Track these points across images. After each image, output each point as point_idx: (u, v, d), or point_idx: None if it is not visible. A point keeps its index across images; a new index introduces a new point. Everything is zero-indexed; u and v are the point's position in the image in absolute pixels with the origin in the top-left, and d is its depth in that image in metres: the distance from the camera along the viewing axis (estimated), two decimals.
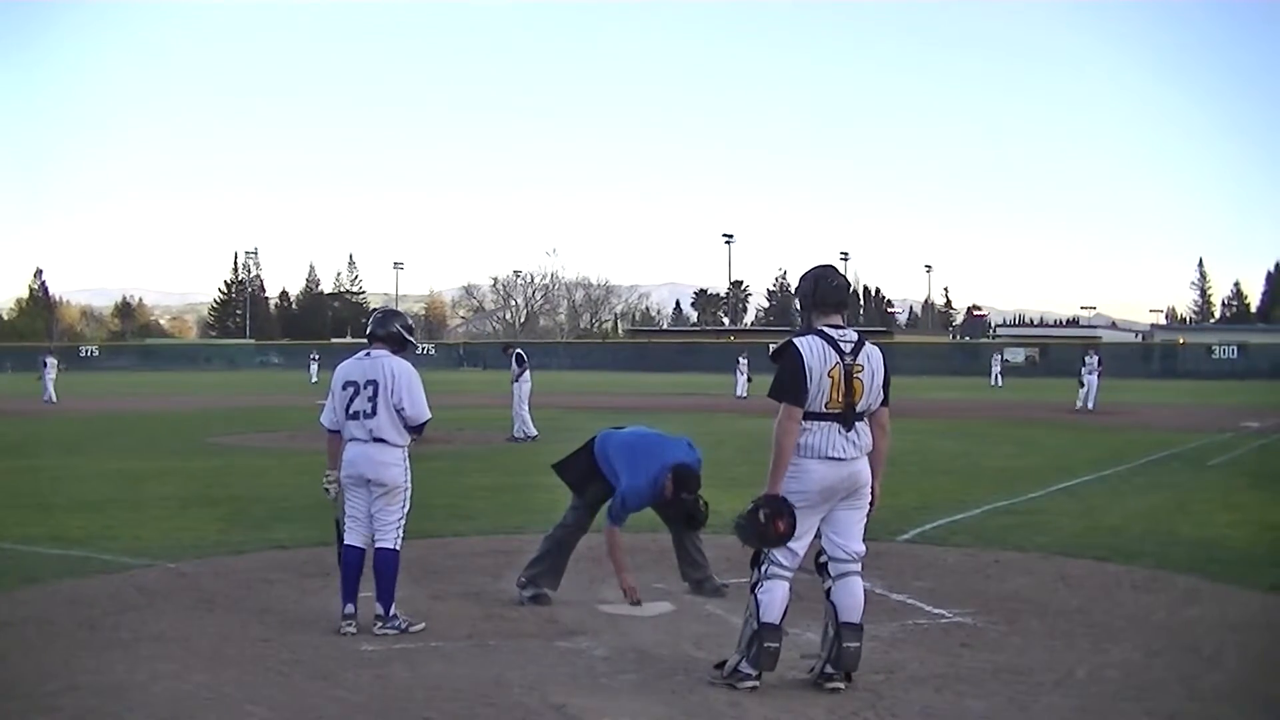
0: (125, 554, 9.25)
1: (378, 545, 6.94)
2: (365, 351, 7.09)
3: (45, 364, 38.17)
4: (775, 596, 5.68)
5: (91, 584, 8.16)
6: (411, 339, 7.29)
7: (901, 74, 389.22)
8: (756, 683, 5.67)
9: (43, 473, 15.92)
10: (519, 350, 23.31)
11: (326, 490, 7.12)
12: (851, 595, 5.75)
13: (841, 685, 5.67)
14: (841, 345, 5.71)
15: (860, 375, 5.71)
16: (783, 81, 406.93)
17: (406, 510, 7.04)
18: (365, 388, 6.91)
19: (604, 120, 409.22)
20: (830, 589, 5.80)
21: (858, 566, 5.83)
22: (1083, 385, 31.85)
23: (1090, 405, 31.16)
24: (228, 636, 6.71)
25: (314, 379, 53.14)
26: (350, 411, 6.93)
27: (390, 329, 7.15)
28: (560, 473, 8.07)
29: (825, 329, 5.77)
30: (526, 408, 21.67)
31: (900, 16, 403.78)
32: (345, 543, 6.98)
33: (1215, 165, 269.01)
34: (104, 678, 5.86)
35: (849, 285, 6.02)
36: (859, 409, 5.73)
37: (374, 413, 6.87)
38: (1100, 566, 8.91)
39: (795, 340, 5.74)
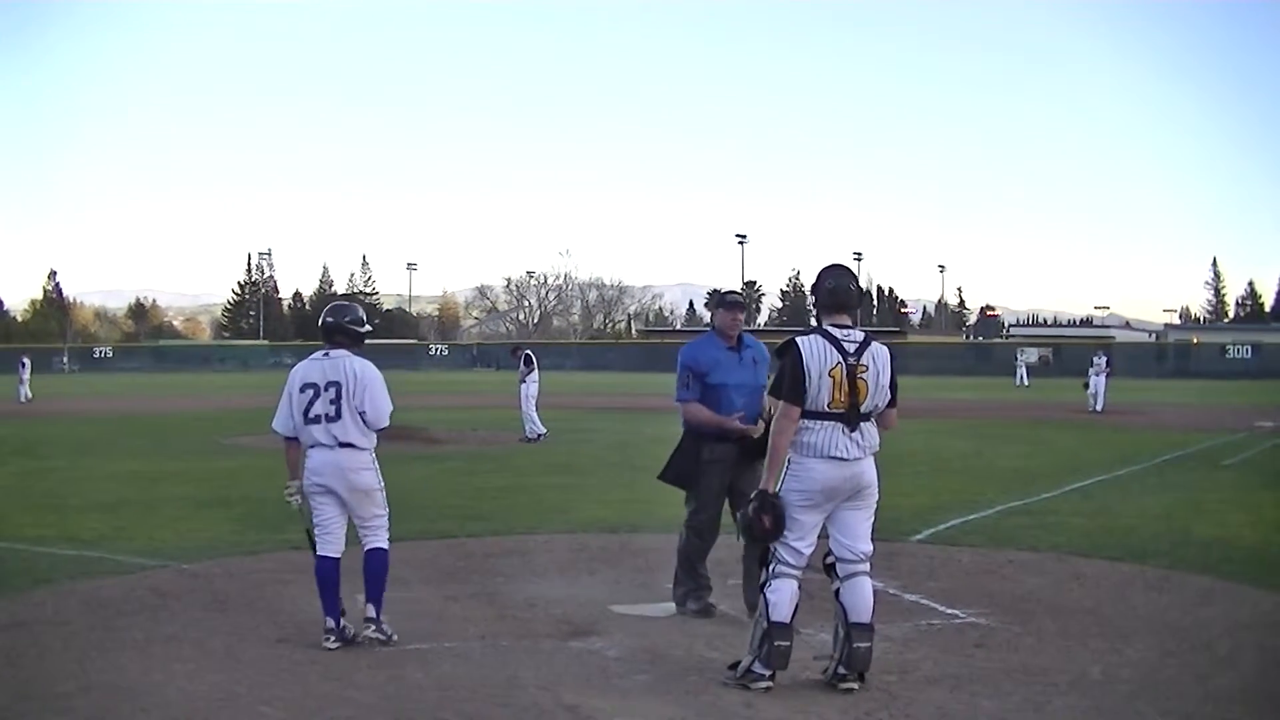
0: (139, 555, 9.27)
1: (369, 546, 6.66)
2: (324, 351, 6.72)
3: (22, 365, 39.59)
4: (784, 595, 5.68)
5: (105, 585, 8.18)
6: (364, 330, 6.91)
7: (914, 74, 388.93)
8: (770, 683, 5.67)
9: (56, 474, 15.96)
10: (528, 351, 23.42)
11: (289, 502, 6.79)
12: (860, 595, 5.74)
13: (855, 686, 5.67)
14: (845, 345, 5.69)
15: (865, 375, 5.69)
16: (796, 82, 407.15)
17: (388, 509, 6.77)
18: (326, 390, 6.57)
19: (617, 121, 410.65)
20: (839, 590, 5.79)
21: (866, 567, 5.81)
22: (1088, 387, 31.73)
23: (1098, 407, 31.04)
24: (241, 637, 6.73)
25: None
26: (310, 415, 6.56)
27: (342, 319, 6.75)
28: (666, 478, 7.45)
29: (830, 328, 5.77)
30: (534, 407, 21.74)
31: (914, 17, 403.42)
32: (319, 554, 6.65)
33: (1230, 165, 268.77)
34: (118, 678, 5.88)
35: (858, 286, 5.96)
36: (864, 409, 5.70)
37: (338, 415, 6.54)
38: (1114, 566, 8.89)
39: (797, 339, 5.74)
